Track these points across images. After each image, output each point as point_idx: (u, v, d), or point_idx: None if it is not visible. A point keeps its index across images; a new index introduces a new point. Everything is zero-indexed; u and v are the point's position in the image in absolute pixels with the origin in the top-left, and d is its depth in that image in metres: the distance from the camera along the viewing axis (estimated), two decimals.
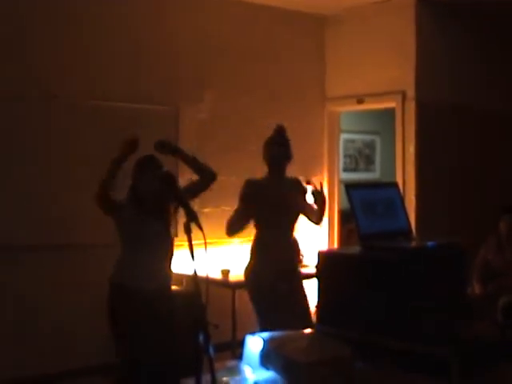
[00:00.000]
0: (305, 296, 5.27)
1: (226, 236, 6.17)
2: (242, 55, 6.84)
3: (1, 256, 5.42)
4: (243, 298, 5.97)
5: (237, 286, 5.93)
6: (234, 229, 5.13)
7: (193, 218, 3.15)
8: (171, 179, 3.29)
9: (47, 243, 5.60)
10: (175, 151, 4.77)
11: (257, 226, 5.22)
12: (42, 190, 5.62)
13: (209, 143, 6.54)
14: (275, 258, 5.10)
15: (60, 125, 5.70)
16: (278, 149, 5.13)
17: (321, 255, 4.12)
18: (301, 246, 5.38)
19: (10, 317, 5.49)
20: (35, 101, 5.58)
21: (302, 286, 5.32)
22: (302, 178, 5.37)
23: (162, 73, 6.26)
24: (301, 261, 5.57)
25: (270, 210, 5.11)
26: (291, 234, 5.26)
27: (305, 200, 5.29)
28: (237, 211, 5.13)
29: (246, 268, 5.25)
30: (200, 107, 6.54)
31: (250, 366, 3.79)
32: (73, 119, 5.76)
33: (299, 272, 5.39)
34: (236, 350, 5.48)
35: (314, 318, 4.81)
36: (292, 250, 5.28)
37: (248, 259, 5.25)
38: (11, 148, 5.50)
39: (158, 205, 4.58)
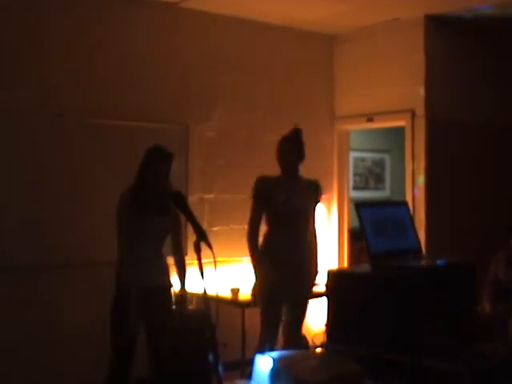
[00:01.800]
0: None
1: (235, 254, 6.23)
2: (252, 73, 6.86)
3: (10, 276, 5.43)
4: (253, 317, 5.96)
5: (246, 304, 5.91)
6: (251, 230, 5.13)
7: (202, 236, 3.16)
8: (181, 198, 3.30)
9: (54, 262, 5.59)
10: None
11: (266, 226, 5.21)
12: (48, 208, 5.62)
13: (218, 161, 6.56)
14: (282, 261, 5.08)
15: (69, 143, 5.71)
16: (290, 145, 5.15)
17: (331, 274, 4.11)
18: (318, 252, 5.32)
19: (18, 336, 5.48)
20: (42, 119, 5.60)
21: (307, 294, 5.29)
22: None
23: (171, 91, 6.28)
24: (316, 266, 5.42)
25: (278, 210, 5.10)
26: (304, 237, 5.19)
27: (314, 207, 5.28)
28: (252, 211, 5.16)
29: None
30: (209, 125, 6.55)
31: None
32: (82, 138, 5.76)
33: (310, 277, 5.28)
34: (245, 369, 5.46)
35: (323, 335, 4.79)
36: (303, 253, 5.19)
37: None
38: (18, 165, 5.51)
39: (160, 200, 4.65)
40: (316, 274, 5.25)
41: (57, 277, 5.62)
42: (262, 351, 4.12)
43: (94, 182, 5.80)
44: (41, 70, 5.63)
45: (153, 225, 4.69)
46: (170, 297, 4.86)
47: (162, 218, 4.71)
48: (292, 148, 5.16)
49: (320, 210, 7.18)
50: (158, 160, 4.70)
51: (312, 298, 5.36)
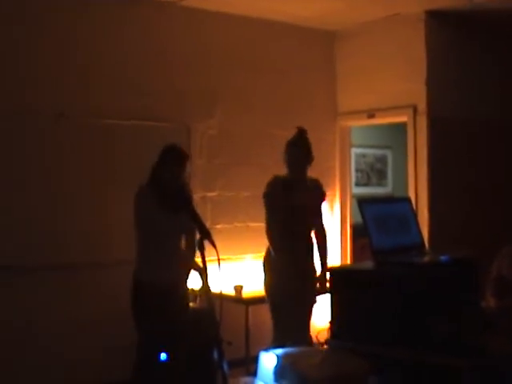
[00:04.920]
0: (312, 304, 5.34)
1: (239, 252, 6.25)
2: (252, 70, 6.85)
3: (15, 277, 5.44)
4: (256, 314, 5.97)
5: (250, 302, 5.93)
6: (271, 231, 5.24)
7: (206, 235, 3.16)
8: (185, 195, 3.30)
9: (58, 262, 5.59)
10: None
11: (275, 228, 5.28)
12: (53, 208, 5.62)
13: (220, 158, 6.56)
14: (291, 264, 5.16)
15: (71, 143, 5.71)
16: (297, 150, 5.22)
17: (334, 271, 4.12)
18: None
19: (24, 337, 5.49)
20: (45, 119, 5.59)
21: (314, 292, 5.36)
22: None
23: (172, 90, 6.28)
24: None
25: (287, 212, 5.18)
26: (309, 239, 5.35)
27: (319, 207, 5.43)
28: (267, 212, 5.28)
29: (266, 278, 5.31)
30: (210, 123, 6.55)
31: (265, 382, 3.79)
32: (84, 138, 5.77)
33: (315, 275, 5.39)
34: (250, 366, 5.47)
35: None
36: (310, 254, 5.35)
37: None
38: (21, 166, 5.53)
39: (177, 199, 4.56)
40: (326, 270, 5.31)
41: (60, 277, 5.63)
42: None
43: (95, 182, 5.81)
44: (40, 70, 5.62)
45: (169, 223, 4.63)
46: (186, 295, 4.89)
47: (178, 217, 4.53)
48: (299, 153, 5.25)
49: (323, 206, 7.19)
50: (172, 161, 4.67)
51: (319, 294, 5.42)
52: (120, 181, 5.85)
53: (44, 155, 5.62)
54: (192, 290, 5.12)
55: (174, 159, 4.68)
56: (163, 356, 4.64)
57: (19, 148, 5.52)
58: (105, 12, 5.97)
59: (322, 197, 5.46)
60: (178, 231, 4.77)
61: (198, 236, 3.16)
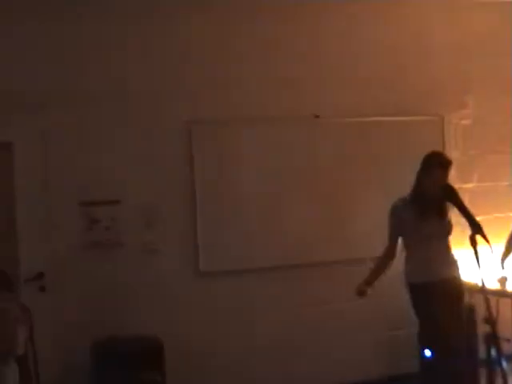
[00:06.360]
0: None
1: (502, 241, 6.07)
2: (498, 55, 6.52)
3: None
4: None
5: None
6: None
7: (477, 229, 3.11)
8: (452, 191, 3.27)
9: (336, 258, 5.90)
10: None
11: None
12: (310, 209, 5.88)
13: (475, 149, 6.41)
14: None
15: (327, 142, 5.94)
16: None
17: None
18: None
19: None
20: (301, 121, 5.88)
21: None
22: None
23: (423, 83, 6.22)
24: None
25: None
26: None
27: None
28: None
29: None
30: (463, 113, 6.41)
31: None
32: (339, 136, 5.97)
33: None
34: None
35: None
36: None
37: None
38: (278, 165, 5.81)
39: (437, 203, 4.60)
40: None
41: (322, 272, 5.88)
42: None
43: (353, 180, 5.95)
44: (296, 78, 5.88)
45: (433, 228, 4.66)
46: (459, 287, 4.86)
47: (441, 221, 4.67)
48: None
49: None
50: (436, 168, 4.67)
51: None
52: (377, 176, 5.98)
53: (303, 155, 5.88)
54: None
55: (436, 167, 4.67)
56: (427, 353, 4.61)
57: (280, 148, 5.82)
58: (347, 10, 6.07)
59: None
60: (444, 233, 4.76)
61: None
